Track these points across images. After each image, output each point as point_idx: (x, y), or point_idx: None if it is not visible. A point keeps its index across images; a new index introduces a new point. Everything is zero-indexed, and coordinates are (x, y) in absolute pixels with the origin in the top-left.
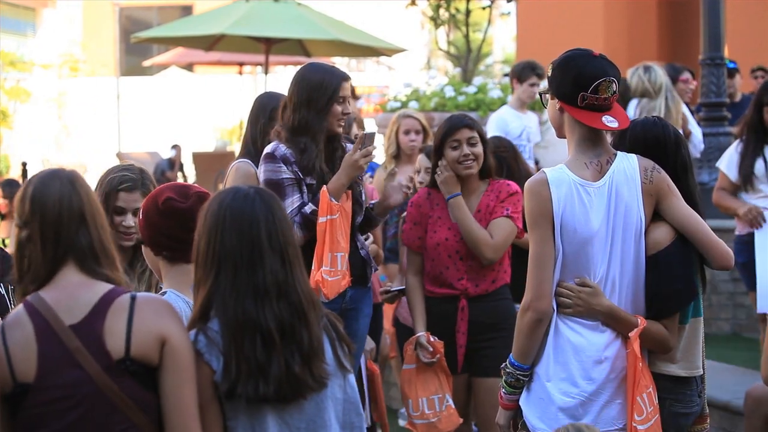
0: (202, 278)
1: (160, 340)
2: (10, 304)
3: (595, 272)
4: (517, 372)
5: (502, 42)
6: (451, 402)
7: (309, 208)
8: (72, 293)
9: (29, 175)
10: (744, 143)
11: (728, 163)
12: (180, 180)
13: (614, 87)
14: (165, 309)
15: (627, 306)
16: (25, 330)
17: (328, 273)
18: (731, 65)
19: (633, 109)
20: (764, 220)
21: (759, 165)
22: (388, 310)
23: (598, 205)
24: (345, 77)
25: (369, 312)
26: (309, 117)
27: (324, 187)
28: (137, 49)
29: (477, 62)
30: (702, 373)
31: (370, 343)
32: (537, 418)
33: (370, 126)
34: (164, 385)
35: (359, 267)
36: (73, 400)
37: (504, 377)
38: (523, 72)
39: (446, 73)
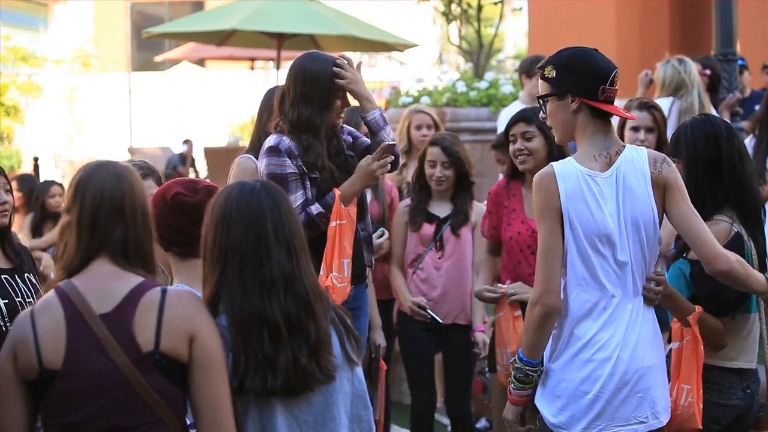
0: (210, 272)
1: (189, 336)
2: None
3: (614, 263)
4: (526, 367)
5: (514, 37)
6: None
7: (315, 208)
8: (104, 283)
9: (41, 171)
10: (756, 139)
11: None
12: (192, 175)
13: (617, 79)
14: (195, 304)
15: (640, 290)
16: (55, 316)
17: (338, 279)
18: (740, 62)
19: (668, 108)
20: None
21: None
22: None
23: (608, 195)
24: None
25: (368, 310)
26: (309, 113)
27: (337, 192)
28: (149, 45)
29: (489, 57)
30: (751, 368)
31: (382, 340)
32: (552, 415)
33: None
34: (195, 380)
35: (359, 266)
36: (99, 390)
37: (513, 372)
38: (531, 67)
39: (458, 68)
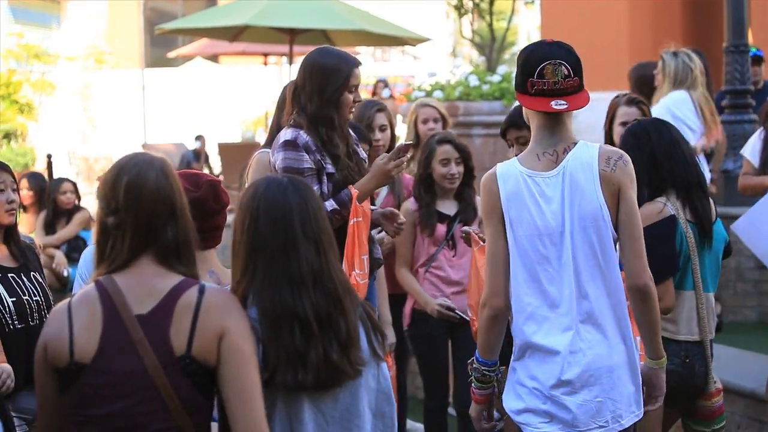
0: (239, 268)
1: (219, 336)
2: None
3: (557, 262)
4: (483, 368)
5: (528, 31)
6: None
7: (330, 205)
8: (145, 282)
9: (54, 168)
10: (766, 131)
11: (752, 150)
12: (206, 171)
13: (564, 70)
14: (229, 303)
15: (597, 289)
16: (93, 311)
17: (360, 276)
18: (758, 53)
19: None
20: None
21: None
22: None
23: (550, 194)
24: (357, 64)
25: (377, 304)
26: (325, 106)
27: (353, 190)
28: (162, 41)
29: (501, 51)
30: (691, 341)
31: (391, 337)
32: (514, 413)
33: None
34: (224, 374)
35: (372, 259)
36: (125, 389)
37: (472, 372)
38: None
39: (471, 61)
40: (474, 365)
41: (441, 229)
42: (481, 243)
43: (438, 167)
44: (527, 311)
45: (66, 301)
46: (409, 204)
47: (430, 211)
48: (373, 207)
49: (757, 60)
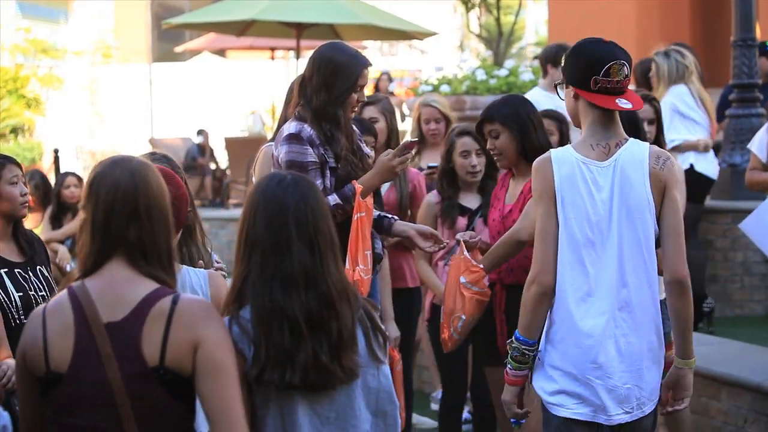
0: (237, 262)
1: (194, 347)
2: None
3: (601, 248)
4: (523, 347)
5: (535, 25)
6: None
7: (333, 199)
8: (117, 289)
9: (61, 163)
10: None
11: (759, 144)
12: (212, 166)
13: (626, 70)
14: (205, 313)
15: (638, 279)
16: (65, 319)
17: (364, 272)
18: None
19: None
20: None
21: None
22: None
23: (602, 183)
24: (366, 64)
25: (378, 298)
26: (328, 103)
27: (357, 185)
28: (169, 35)
29: (508, 45)
30: None
31: (395, 332)
32: (547, 393)
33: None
34: (201, 388)
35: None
36: (95, 401)
37: (510, 352)
38: (558, 55)
39: (478, 55)
40: (513, 344)
41: (462, 222)
42: (465, 253)
43: (459, 159)
44: (567, 292)
45: (42, 306)
46: (432, 197)
47: (452, 204)
48: (404, 223)
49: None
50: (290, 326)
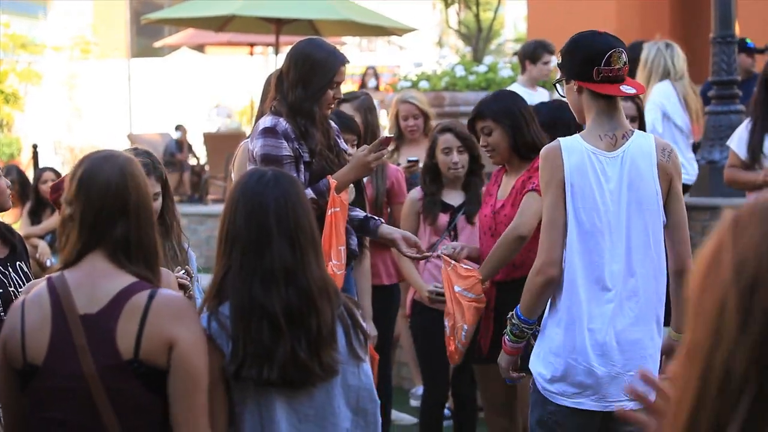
0: (218, 258)
1: (168, 344)
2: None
3: (609, 238)
4: (523, 325)
5: (514, 21)
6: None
7: (308, 193)
8: (95, 281)
9: (40, 158)
10: (752, 120)
11: (738, 141)
12: (192, 161)
13: (624, 57)
14: (181, 311)
15: (645, 269)
16: (42, 311)
17: (337, 267)
18: (750, 45)
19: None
20: None
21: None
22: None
23: (611, 174)
24: (344, 61)
25: (354, 294)
26: (304, 98)
27: (332, 180)
28: (148, 31)
29: (488, 42)
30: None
31: (372, 331)
32: (545, 380)
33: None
34: (172, 389)
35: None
36: (70, 394)
37: (509, 326)
38: (536, 52)
39: (457, 51)
40: (513, 321)
41: (443, 218)
42: (452, 263)
43: (441, 156)
44: (577, 281)
45: (22, 298)
46: (415, 193)
47: (434, 201)
48: (390, 227)
49: (749, 50)
50: (269, 322)
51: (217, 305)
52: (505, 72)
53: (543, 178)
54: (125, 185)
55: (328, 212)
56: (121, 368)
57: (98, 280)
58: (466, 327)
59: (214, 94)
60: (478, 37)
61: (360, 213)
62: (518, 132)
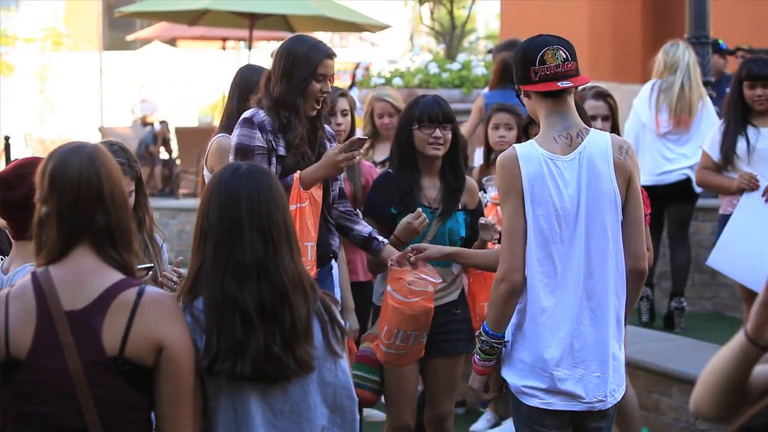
0: (192, 252)
1: (157, 346)
2: None
3: (569, 242)
4: (492, 340)
5: (486, 18)
6: (424, 339)
7: (288, 182)
8: (81, 277)
9: (12, 150)
10: (725, 121)
11: (711, 142)
12: (164, 155)
13: (562, 54)
14: (169, 310)
15: (604, 269)
16: (27, 306)
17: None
18: (722, 46)
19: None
20: (757, 182)
21: (741, 144)
22: None
23: (569, 178)
24: (329, 54)
25: (336, 292)
26: (287, 91)
27: (297, 175)
28: (120, 24)
29: (461, 39)
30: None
31: (354, 323)
32: (516, 382)
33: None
34: (159, 390)
35: (324, 247)
36: (54, 389)
37: (478, 345)
38: (506, 50)
39: (429, 51)
40: (482, 337)
41: None
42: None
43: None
44: (537, 288)
45: (4, 291)
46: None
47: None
48: (394, 249)
49: (722, 52)
50: (241, 316)
51: (192, 299)
52: (479, 70)
53: (502, 187)
54: (97, 173)
55: (293, 207)
56: (106, 365)
57: (84, 277)
58: (386, 327)
59: (187, 88)
60: (452, 35)
61: (365, 229)
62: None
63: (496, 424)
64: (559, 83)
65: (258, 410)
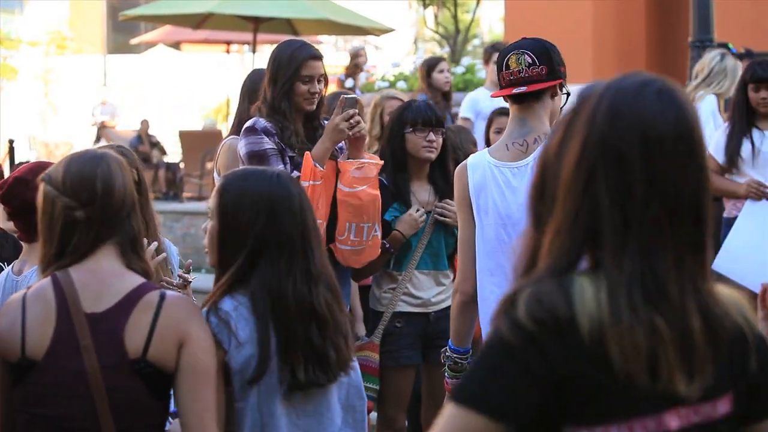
0: (222, 259)
1: (180, 342)
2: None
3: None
4: (455, 356)
5: (490, 22)
6: (379, 233)
7: (295, 174)
8: (103, 280)
9: (15, 154)
10: (730, 124)
11: (716, 145)
12: (164, 159)
13: (527, 58)
14: (191, 311)
15: None
16: (47, 307)
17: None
18: (733, 50)
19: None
20: (766, 189)
21: (746, 147)
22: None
23: (516, 185)
24: (313, 55)
25: (347, 291)
26: (274, 95)
27: (307, 153)
28: (125, 27)
29: (465, 43)
30: None
31: (361, 331)
32: None
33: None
34: (181, 385)
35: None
36: (70, 391)
37: (444, 361)
38: (485, 53)
39: (433, 54)
40: (447, 353)
41: None
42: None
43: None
44: (489, 299)
45: (21, 293)
46: None
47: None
48: None
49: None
50: (318, 323)
51: (216, 302)
52: (483, 73)
53: (455, 196)
54: (131, 184)
55: (305, 184)
56: (126, 367)
57: (106, 280)
58: (338, 224)
59: (191, 92)
60: (456, 38)
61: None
62: None
63: None
64: (514, 89)
65: (283, 410)
